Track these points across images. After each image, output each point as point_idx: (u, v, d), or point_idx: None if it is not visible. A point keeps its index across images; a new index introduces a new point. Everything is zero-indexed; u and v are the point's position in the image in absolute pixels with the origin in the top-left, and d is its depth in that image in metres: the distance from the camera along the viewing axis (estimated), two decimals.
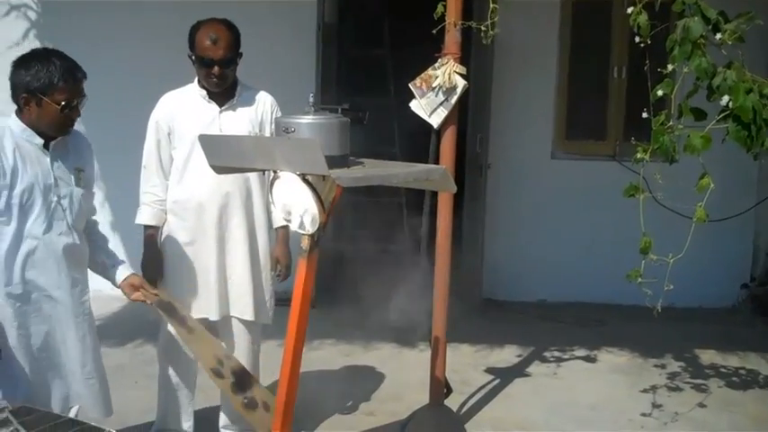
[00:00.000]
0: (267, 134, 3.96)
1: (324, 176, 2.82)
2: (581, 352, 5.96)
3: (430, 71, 4.13)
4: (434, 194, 4.27)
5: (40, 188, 3.17)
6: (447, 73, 4.07)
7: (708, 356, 5.94)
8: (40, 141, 3.19)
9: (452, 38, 4.11)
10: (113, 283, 3.54)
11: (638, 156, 3.81)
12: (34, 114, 3.16)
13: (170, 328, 3.86)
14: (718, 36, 3.49)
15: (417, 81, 4.15)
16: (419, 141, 4.90)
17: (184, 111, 3.95)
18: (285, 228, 4.05)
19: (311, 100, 3.00)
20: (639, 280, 3.82)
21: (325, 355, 5.69)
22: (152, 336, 4.49)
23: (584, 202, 7.04)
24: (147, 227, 4.02)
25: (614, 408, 5.02)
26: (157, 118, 3.98)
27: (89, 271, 3.48)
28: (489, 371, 5.55)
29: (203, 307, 3.97)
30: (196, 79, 3.97)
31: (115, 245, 3.64)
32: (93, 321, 3.45)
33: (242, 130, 3.93)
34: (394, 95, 7.74)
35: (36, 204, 3.17)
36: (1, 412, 2.46)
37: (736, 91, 3.45)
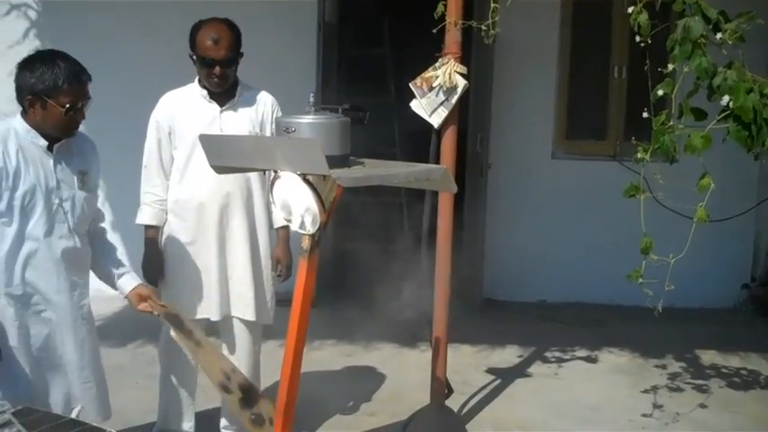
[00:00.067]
0: (268, 134, 3.95)
1: (324, 176, 2.82)
2: (582, 352, 5.96)
3: (430, 71, 4.13)
4: (435, 194, 4.27)
5: (42, 190, 3.16)
6: (447, 73, 4.07)
7: (709, 357, 5.93)
8: (44, 143, 3.18)
9: (453, 37, 4.11)
10: (121, 292, 3.50)
11: (639, 156, 3.81)
12: (39, 116, 3.15)
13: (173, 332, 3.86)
14: (719, 36, 3.49)
15: (418, 81, 4.15)
16: (420, 141, 4.90)
17: (185, 110, 3.94)
18: (286, 228, 4.05)
19: (312, 100, 2.99)
20: (640, 280, 3.82)
21: (326, 356, 5.69)
22: (153, 336, 4.49)
23: (585, 202, 7.04)
24: (147, 227, 4.02)
25: (615, 408, 5.02)
26: (158, 117, 3.98)
27: (89, 264, 3.46)
28: (490, 371, 5.55)
29: (204, 307, 3.97)
30: (197, 79, 3.97)
31: (115, 245, 3.62)
32: (92, 325, 3.43)
33: (243, 130, 3.93)
34: (394, 95, 7.74)
35: (37, 206, 3.16)
36: (3, 413, 2.46)
37: (737, 91, 3.44)
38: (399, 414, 4.64)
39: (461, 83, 4.10)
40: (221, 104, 3.94)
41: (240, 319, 4.05)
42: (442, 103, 4.12)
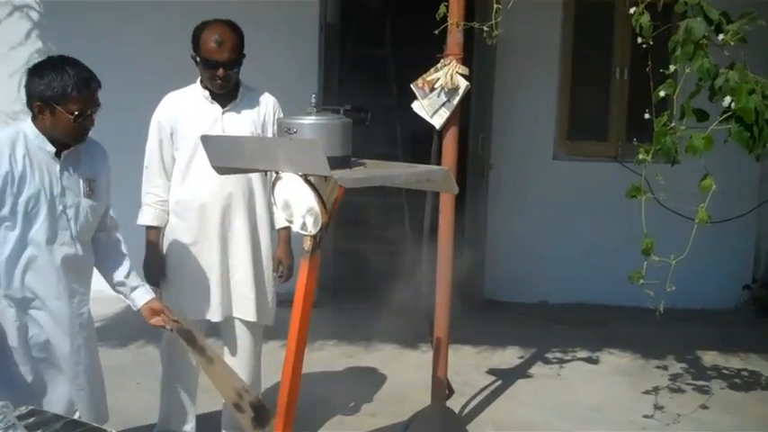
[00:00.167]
0: (269, 135, 3.95)
1: (326, 177, 2.82)
2: (583, 353, 5.96)
3: (432, 72, 4.13)
4: (436, 195, 4.27)
5: (46, 196, 3.16)
6: (449, 74, 4.07)
7: (710, 358, 5.93)
8: (52, 149, 3.18)
9: (454, 38, 4.11)
10: (134, 305, 3.48)
11: (640, 157, 3.81)
12: (48, 122, 3.14)
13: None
14: (721, 37, 3.49)
15: (419, 82, 4.15)
16: (421, 142, 4.90)
17: (187, 111, 3.94)
18: (287, 229, 4.05)
19: (313, 101, 3.00)
20: (641, 281, 3.81)
21: (328, 356, 5.69)
22: (154, 337, 4.49)
23: (586, 202, 7.04)
24: (149, 228, 4.02)
25: (616, 409, 5.02)
26: (160, 118, 3.98)
27: (92, 272, 3.46)
28: (491, 372, 5.55)
29: (205, 308, 3.97)
30: (198, 79, 3.97)
31: (128, 256, 3.60)
32: (91, 332, 3.42)
33: (244, 131, 3.93)
34: (396, 96, 7.74)
35: (41, 212, 3.16)
36: (5, 416, 2.46)
37: (739, 92, 3.44)
38: (400, 415, 4.63)
39: (463, 84, 4.10)
40: (223, 105, 3.94)
41: (241, 320, 4.05)
42: (443, 104, 4.12)
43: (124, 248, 3.54)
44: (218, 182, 3.77)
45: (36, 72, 3.15)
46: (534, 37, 6.88)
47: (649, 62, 3.83)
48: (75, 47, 6.67)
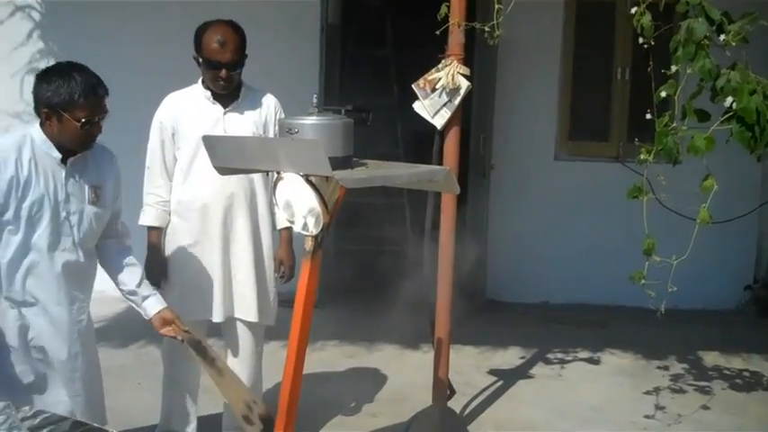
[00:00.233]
0: (271, 136, 3.95)
1: (327, 177, 2.82)
2: (584, 353, 5.96)
3: (433, 72, 4.13)
4: (437, 195, 4.27)
5: (50, 202, 3.15)
6: (450, 74, 4.07)
7: (711, 358, 5.93)
8: (59, 156, 3.16)
9: (456, 39, 4.11)
10: (145, 314, 3.46)
11: (642, 157, 3.81)
12: (55, 129, 3.13)
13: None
14: (722, 37, 3.48)
15: (421, 82, 4.15)
16: (423, 142, 4.90)
17: (188, 112, 3.94)
18: (288, 229, 4.05)
19: (315, 101, 3.00)
20: (643, 281, 3.81)
21: (329, 356, 5.69)
22: (155, 337, 4.48)
23: (588, 203, 7.04)
24: (150, 228, 4.02)
25: (617, 409, 5.02)
26: (161, 118, 3.98)
27: (94, 278, 3.44)
28: (492, 372, 5.55)
29: (207, 308, 3.97)
30: (200, 80, 3.97)
31: (139, 264, 3.59)
32: (90, 339, 3.40)
33: (246, 131, 3.92)
34: (397, 96, 7.74)
35: (44, 218, 3.15)
36: (9, 417, 2.46)
37: (740, 92, 3.44)
38: (401, 415, 4.63)
39: (464, 84, 4.10)
40: (225, 106, 3.94)
41: (243, 321, 4.05)
42: (444, 105, 4.12)
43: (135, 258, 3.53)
44: (220, 182, 3.77)
45: (43, 78, 3.12)
46: (535, 37, 6.89)
47: (651, 62, 3.83)
48: (76, 47, 6.75)
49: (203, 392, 4.23)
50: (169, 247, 4.02)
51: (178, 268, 3.99)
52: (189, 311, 3.78)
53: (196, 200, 3.94)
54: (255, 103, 4.00)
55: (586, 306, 7.04)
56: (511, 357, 5.88)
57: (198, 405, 4.21)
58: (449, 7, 4.07)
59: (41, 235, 3.15)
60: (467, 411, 4.89)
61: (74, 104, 3.07)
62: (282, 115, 3.99)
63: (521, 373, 5.60)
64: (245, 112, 3.96)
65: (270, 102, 4.04)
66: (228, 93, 3.93)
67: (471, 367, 5.59)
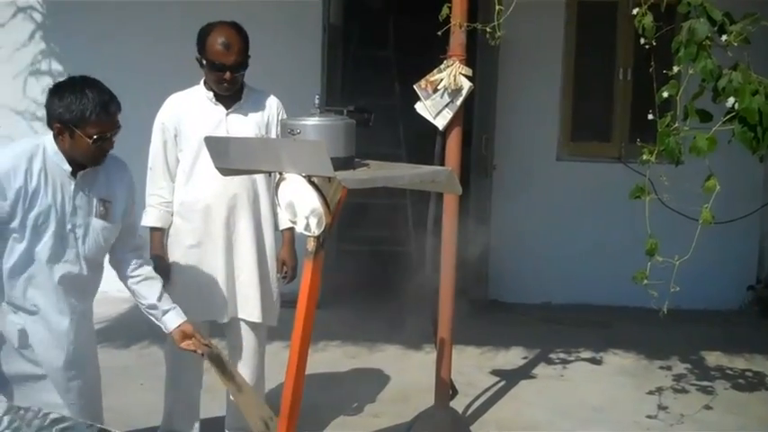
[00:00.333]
0: (273, 137, 3.96)
1: (329, 178, 2.82)
2: (586, 354, 5.96)
3: (435, 73, 4.13)
4: (439, 196, 4.27)
5: (56, 213, 3.14)
6: (452, 75, 4.07)
7: (714, 358, 5.93)
8: (69, 169, 3.15)
9: (457, 39, 4.11)
10: (165, 328, 3.45)
11: (644, 157, 3.81)
12: (67, 144, 3.11)
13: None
14: (724, 37, 3.48)
15: (422, 83, 4.16)
16: (425, 143, 4.91)
17: (191, 113, 3.94)
18: (291, 229, 4.05)
19: (317, 102, 2.99)
20: (645, 282, 3.81)
21: (331, 357, 5.69)
22: (158, 338, 4.50)
23: (590, 203, 7.04)
24: (153, 229, 4.02)
25: (620, 409, 5.02)
26: (163, 120, 3.98)
27: (97, 290, 3.43)
28: (495, 372, 5.55)
29: (211, 309, 3.98)
30: (202, 81, 3.97)
31: (158, 278, 3.58)
32: (90, 348, 3.39)
33: (249, 132, 3.93)
34: (399, 97, 7.75)
35: (49, 229, 3.14)
36: (13, 420, 2.46)
37: (742, 93, 3.44)
38: (404, 415, 4.64)
39: (466, 85, 4.10)
40: (227, 107, 3.94)
41: (246, 321, 4.05)
42: (446, 105, 4.12)
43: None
44: (223, 183, 3.77)
45: (56, 93, 3.11)
46: (537, 38, 6.89)
47: (652, 63, 3.83)
48: (77, 47, 6.77)
49: (205, 392, 4.23)
50: (172, 248, 4.02)
51: (181, 269, 3.99)
52: (191, 312, 3.77)
53: (199, 201, 3.94)
54: (258, 104, 4.01)
55: (589, 306, 7.04)
56: (513, 358, 5.88)
57: (200, 405, 4.21)
58: (450, 8, 4.07)
59: (45, 245, 3.14)
60: (469, 412, 4.89)
61: (85, 121, 3.06)
62: (284, 116, 3.99)
63: (523, 373, 5.60)
64: (248, 113, 3.97)
65: (272, 103, 4.05)
66: (231, 94, 3.93)
67: (473, 368, 5.59)
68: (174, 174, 3.99)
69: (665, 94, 3.65)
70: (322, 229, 2.92)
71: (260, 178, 3.98)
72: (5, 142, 6.54)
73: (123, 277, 3.45)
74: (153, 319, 3.46)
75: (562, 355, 5.91)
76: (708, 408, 5.06)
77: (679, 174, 3.82)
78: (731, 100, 3.46)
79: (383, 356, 5.78)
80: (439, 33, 4.10)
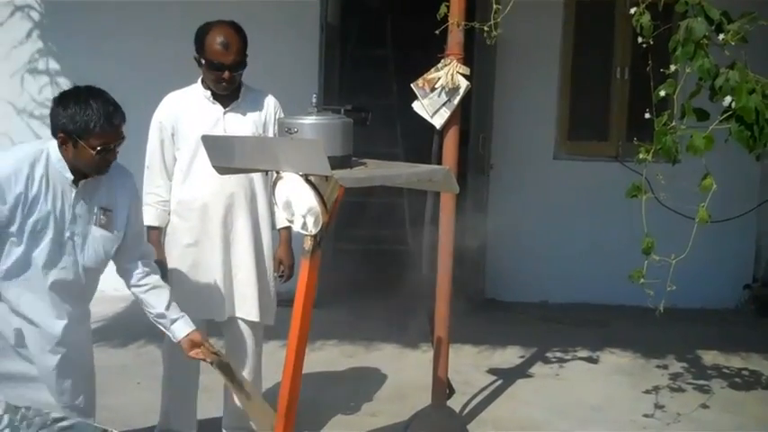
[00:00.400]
0: (270, 136, 3.95)
1: (326, 177, 2.82)
2: (583, 353, 5.97)
3: (433, 72, 4.13)
4: (437, 195, 4.27)
5: (55, 220, 3.13)
6: (450, 73, 4.07)
7: (710, 357, 5.94)
8: (70, 177, 3.14)
9: (455, 38, 4.11)
10: (173, 337, 3.43)
11: (641, 156, 3.81)
12: (70, 154, 3.10)
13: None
14: (721, 36, 3.49)
15: (420, 82, 4.15)
16: (422, 142, 4.91)
17: (188, 111, 3.94)
18: (288, 228, 4.06)
19: (314, 100, 3.00)
20: (642, 280, 3.82)
21: (328, 356, 5.69)
22: (156, 336, 4.49)
23: (587, 202, 7.04)
24: (150, 228, 4.01)
25: (616, 408, 5.03)
26: (161, 118, 3.98)
27: (92, 297, 3.41)
28: (492, 371, 5.55)
29: (208, 308, 3.98)
30: (199, 79, 3.97)
31: (166, 286, 3.57)
32: (84, 352, 3.37)
33: (246, 131, 3.93)
34: (397, 96, 7.75)
35: (47, 235, 3.13)
36: (10, 414, 2.46)
37: (739, 91, 3.45)
38: (401, 414, 4.64)
39: (463, 84, 4.10)
40: (225, 106, 3.94)
41: (244, 320, 4.05)
42: (444, 104, 4.12)
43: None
44: (220, 182, 3.77)
45: (60, 103, 3.09)
46: (535, 37, 6.89)
47: (650, 62, 3.84)
48: (75, 46, 6.76)
49: (202, 392, 4.23)
50: (169, 247, 4.02)
51: (178, 268, 3.99)
52: (189, 311, 3.77)
53: (196, 200, 3.94)
54: (255, 103, 4.00)
55: (585, 305, 7.04)
56: (510, 356, 5.88)
57: (198, 404, 4.21)
58: (448, 7, 4.07)
59: (42, 251, 3.13)
60: (466, 410, 4.89)
61: (89, 133, 3.05)
62: (282, 115, 3.99)
63: (520, 372, 5.60)
64: (246, 112, 3.97)
65: (270, 102, 4.05)
66: (229, 93, 3.93)
67: (470, 366, 5.59)
68: (171, 172, 3.99)
69: (663, 93, 3.66)
70: (319, 228, 2.92)
71: (257, 177, 3.98)
72: (3, 140, 6.60)
73: (131, 286, 3.43)
74: (161, 327, 3.45)
75: (559, 354, 5.92)
76: (704, 407, 5.06)
77: (676, 172, 3.82)
78: (728, 99, 3.47)
79: (380, 355, 5.79)
80: (437, 32, 4.10)
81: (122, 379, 4.94)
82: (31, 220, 3.09)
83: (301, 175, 2.84)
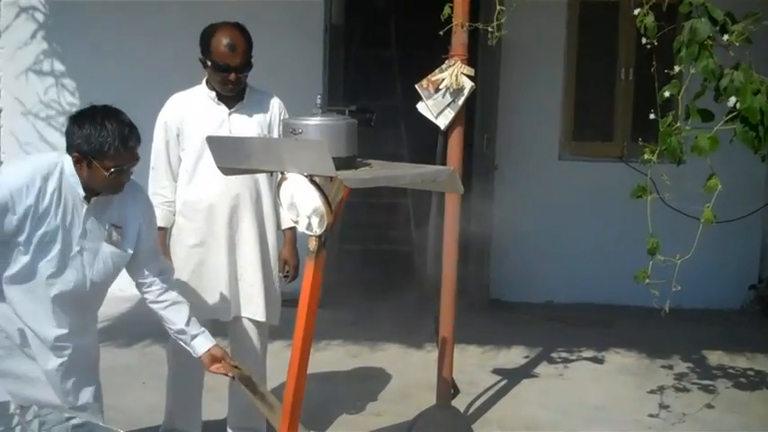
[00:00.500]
0: (275, 137, 3.96)
1: (331, 178, 2.82)
2: (588, 353, 5.96)
3: (437, 73, 4.14)
4: (441, 196, 4.28)
5: (63, 234, 3.12)
6: (454, 74, 4.07)
7: (715, 357, 5.93)
8: (82, 194, 3.13)
9: (459, 39, 4.11)
10: (194, 352, 3.42)
11: (646, 157, 3.82)
12: (85, 173, 3.09)
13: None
14: (726, 37, 3.49)
15: (424, 82, 4.16)
16: (426, 143, 4.91)
17: (193, 112, 3.95)
18: (293, 229, 4.06)
19: (318, 101, 3.00)
20: (647, 281, 3.82)
21: (333, 356, 5.70)
22: (160, 336, 4.51)
23: (592, 203, 7.04)
24: None
25: (621, 408, 5.02)
26: (166, 119, 3.98)
27: (98, 309, 3.41)
28: (496, 371, 5.55)
29: (214, 308, 3.98)
30: (204, 80, 3.97)
31: (186, 302, 3.57)
32: (90, 357, 3.35)
33: (251, 132, 3.93)
34: (401, 97, 7.75)
35: (54, 248, 3.11)
36: (15, 415, 2.47)
37: (744, 92, 3.45)
38: (405, 414, 4.64)
39: (468, 84, 4.10)
40: (230, 107, 3.94)
41: (250, 320, 4.06)
42: (448, 105, 4.13)
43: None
44: (225, 183, 3.77)
45: (76, 122, 3.08)
46: (539, 37, 6.89)
47: (654, 62, 3.84)
48: (79, 47, 6.78)
49: (207, 391, 4.23)
50: (174, 248, 4.03)
51: (184, 268, 3.99)
52: (196, 311, 3.78)
53: (201, 200, 3.95)
54: (260, 105, 4.01)
55: (590, 305, 7.04)
56: (515, 357, 5.88)
57: (203, 404, 4.21)
58: (452, 8, 4.07)
59: (48, 263, 3.12)
60: (471, 410, 4.89)
61: (104, 155, 3.04)
62: (286, 116, 3.99)
63: (525, 372, 5.60)
64: (251, 114, 3.97)
65: (275, 103, 4.05)
66: (234, 94, 3.93)
67: (475, 366, 5.59)
68: (176, 173, 4.00)
69: (667, 94, 3.66)
70: (324, 229, 2.92)
71: (262, 178, 3.98)
72: (9, 141, 6.61)
73: (150, 302, 3.42)
74: (182, 342, 3.44)
75: (564, 354, 5.91)
76: (709, 407, 5.06)
77: (680, 173, 3.82)
78: (733, 99, 3.47)
79: (385, 355, 5.79)
80: (441, 33, 4.10)
81: (127, 379, 4.95)
82: (39, 233, 3.08)
83: (306, 176, 2.84)
